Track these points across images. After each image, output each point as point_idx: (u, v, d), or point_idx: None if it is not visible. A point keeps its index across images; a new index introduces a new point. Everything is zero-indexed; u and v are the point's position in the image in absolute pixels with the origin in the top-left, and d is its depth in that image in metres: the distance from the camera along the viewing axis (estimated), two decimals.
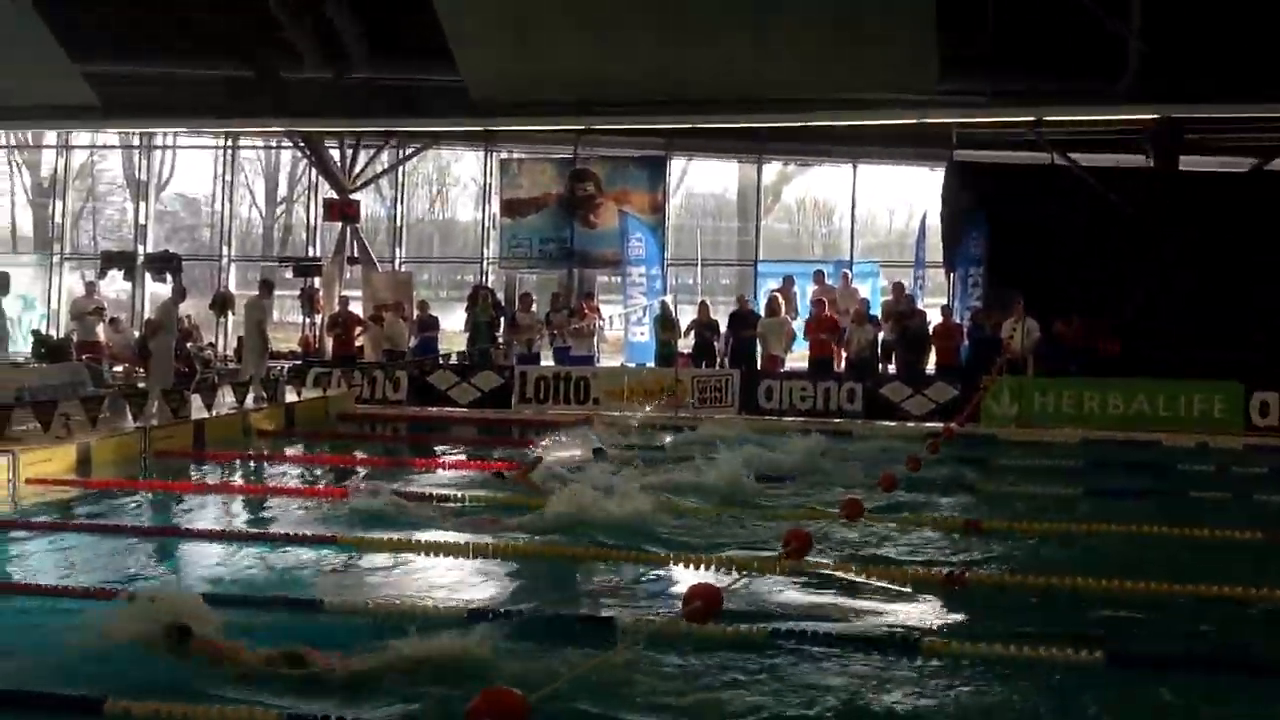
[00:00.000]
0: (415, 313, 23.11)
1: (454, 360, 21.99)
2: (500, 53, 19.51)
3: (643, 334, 22.81)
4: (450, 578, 8.54)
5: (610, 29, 19.01)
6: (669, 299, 22.25)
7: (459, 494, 11.64)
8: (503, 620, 7.05)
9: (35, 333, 23.34)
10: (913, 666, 6.56)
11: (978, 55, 19.10)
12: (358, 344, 22.57)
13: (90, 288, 23.63)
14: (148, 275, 25.05)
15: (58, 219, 27.65)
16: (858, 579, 8.39)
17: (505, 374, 20.47)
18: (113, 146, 30.02)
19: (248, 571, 8.66)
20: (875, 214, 30.72)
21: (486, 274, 25.66)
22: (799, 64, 19.03)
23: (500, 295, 24.12)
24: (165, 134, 27.60)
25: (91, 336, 21.82)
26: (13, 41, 20.09)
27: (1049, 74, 19.44)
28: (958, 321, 20.66)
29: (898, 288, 21.87)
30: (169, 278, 23.68)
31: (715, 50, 18.86)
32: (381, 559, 9.02)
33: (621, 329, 23.56)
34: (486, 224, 26.37)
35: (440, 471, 13.63)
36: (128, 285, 25.99)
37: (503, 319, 23.00)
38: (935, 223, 22.75)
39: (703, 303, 22.15)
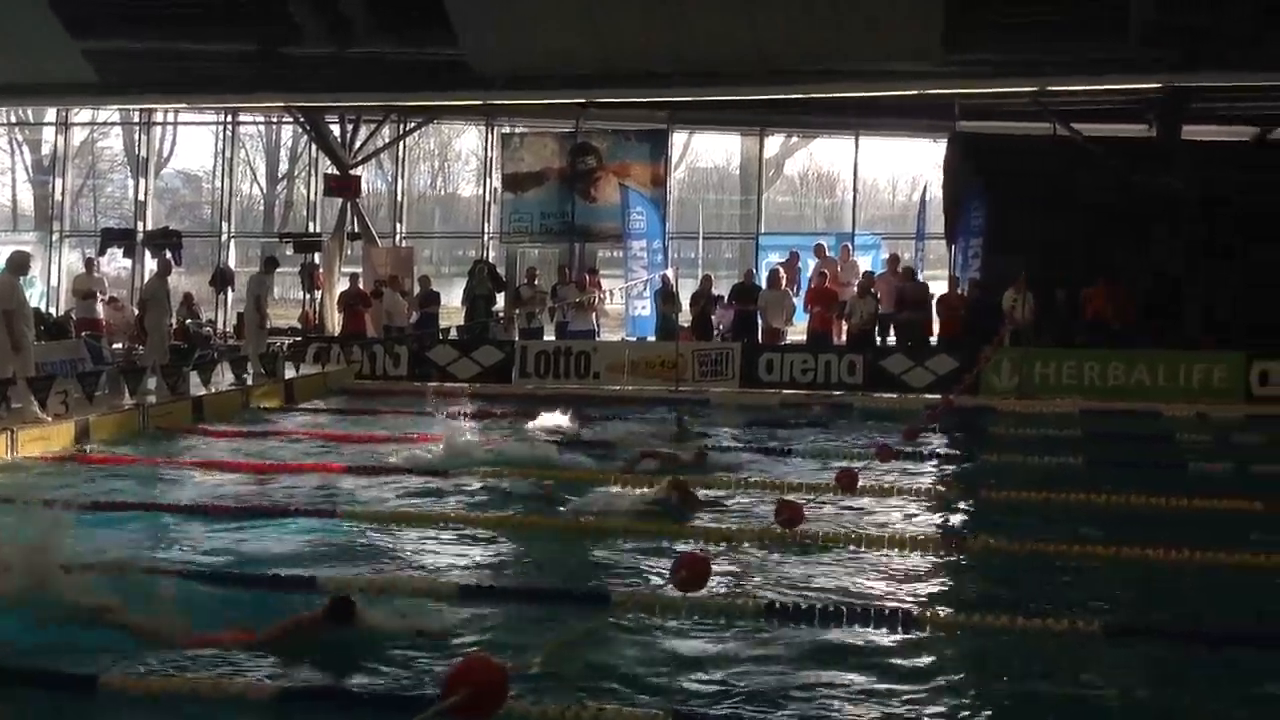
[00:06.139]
0: (416, 288, 23.06)
1: (454, 335, 21.91)
2: (500, 26, 19.34)
3: (644, 308, 22.74)
4: (441, 550, 8.54)
5: (611, 2, 18.85)
6: (670, 273, 22.18)
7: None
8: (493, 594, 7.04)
9: (35, 311, 23.28)
10: (907, 639, 6.52)
11: (981, 24, 18.87)
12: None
13: (90, 265, 23.58)
14: (147, 252, 24.98)
15: (58, 196, 27.57)
16: (851, 550, 8.39)
17: (506, 349, 20.40)
18: (113, 123, 29.98)
19: (235, 546, 8.57)
20: (878, 187, 30.68)
21: (488, 249, 25.58)
22: (801, 35, 18.82)
23: (501, 270, 24.05)
24: (165, 110, 27.47)
25: (91, 314, 21.79)
26: (11, 18, 19.96)
27: (1054, 43, 19.19)
28: (960, 293, 20.59)
29: (893, 260, 21.84)
30: (167, 254, 23.65)
31: (716, 22, 18.67)
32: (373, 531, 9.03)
33: (623, 303, 23.48)
34: (488, 199, 26.27)
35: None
36: (128, 263, 25.94)
37: (501, 293, 22.93)
38: (937, 195, 22.65)
39: (705, 276, 22.08)
